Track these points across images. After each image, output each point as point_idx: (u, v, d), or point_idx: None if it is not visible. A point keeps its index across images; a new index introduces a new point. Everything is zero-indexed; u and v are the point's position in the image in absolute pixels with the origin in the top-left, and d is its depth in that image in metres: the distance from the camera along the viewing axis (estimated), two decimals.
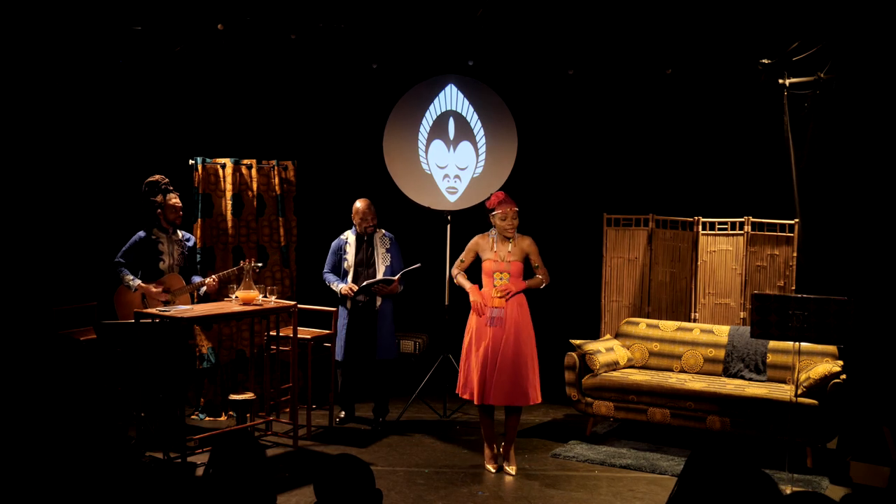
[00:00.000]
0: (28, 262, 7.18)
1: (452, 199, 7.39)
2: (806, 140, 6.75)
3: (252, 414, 6.50)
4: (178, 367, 5.72)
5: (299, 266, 7.50)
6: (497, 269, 5.77)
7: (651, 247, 7.27)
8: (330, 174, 8.22)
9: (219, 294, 6.54)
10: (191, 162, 6.99)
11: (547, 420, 7.08)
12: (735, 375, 6.52)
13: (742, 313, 6.88)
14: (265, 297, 6.18)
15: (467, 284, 5.91)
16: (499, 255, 5.81)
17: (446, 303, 7.23)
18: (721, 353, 6.63)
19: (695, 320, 7.03)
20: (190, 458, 5.71)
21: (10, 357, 6.67)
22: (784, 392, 5.92)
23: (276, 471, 5.69)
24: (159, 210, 6.40)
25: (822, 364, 6.03)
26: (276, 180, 7.25)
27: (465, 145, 7.39)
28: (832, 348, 6.18)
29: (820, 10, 6.43)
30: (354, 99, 8.20)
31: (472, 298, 5.83)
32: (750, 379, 6.43)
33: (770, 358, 6.45)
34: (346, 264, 6.79)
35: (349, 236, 6.84)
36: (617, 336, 7.06)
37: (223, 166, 7.06)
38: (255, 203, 7.18)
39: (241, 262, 6.27)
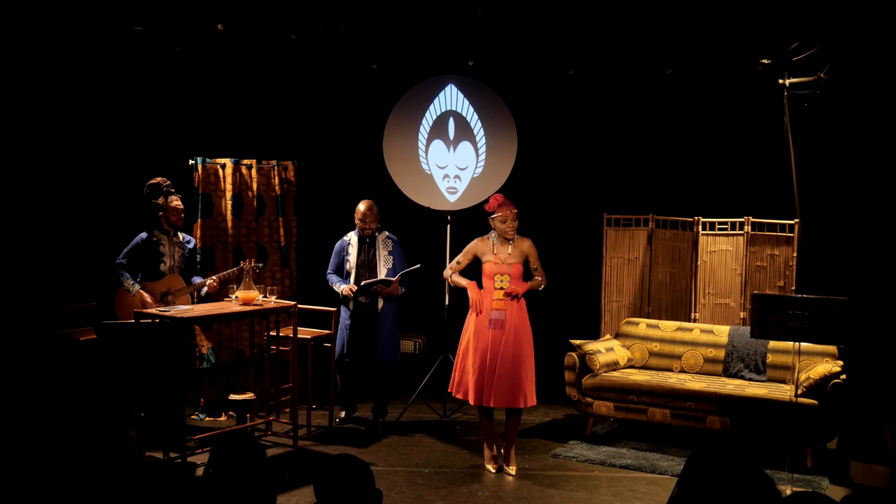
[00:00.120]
0: (28, 262, 7.18)
1: (452, 199, 7.39)
2: (806, 140, 6.75)
3: (252, 414, 6.50)
4: (178, 367, 5.72)
5: (299, 266, 7.50)
6: (498, 271, 5.77)
7: (651, 247, 7.27)
8: (330, 174, 8.22)
9: (219, 294, 6.54)
10: (191, 162, 6.99)
11: (547, 420, 7.08)
12: (735, 375, 6.52)
13: (742, 313, 6.88)
14: (265, 297, 6.18)
15: (464, 281, 5.90)
16: (499, 257, 5.81)
17: (446, 303, 7.23)
18: (721, 353, 6.63)
19: (695, 320, 7.03)
20: (190, 458, 5.71)
21: (10, 357, 6.67)
22: (784, 392, 5.92)
23: (276, 471, 5.69)
24: (161, 212, 6.41)
25: (822, 364, 6.03)
26: (276, 180, 7.25)
27: (465, 145, 7.39)
28: (832, 348, 6.18)
29: (820, 10, 6.43)
30: (354, 99, 8.19)
31: (470, 294, 5.82)
32: (750, 379, 6.43)
33: (770, 358, 6.45)
34: (348, 265, 6.79)
35: (352, 237, 6.84)
36: (617, 336, 7.06)
37: (223, 166, 7.06)
38: (255, 203, 7.18)
39: (242, 263, 6.27)
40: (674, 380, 6.39)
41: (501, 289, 5.74)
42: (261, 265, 6.44)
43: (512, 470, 5.80)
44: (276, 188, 7.25)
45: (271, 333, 6.57)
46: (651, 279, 7.28)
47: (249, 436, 4.86)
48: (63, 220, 7.44)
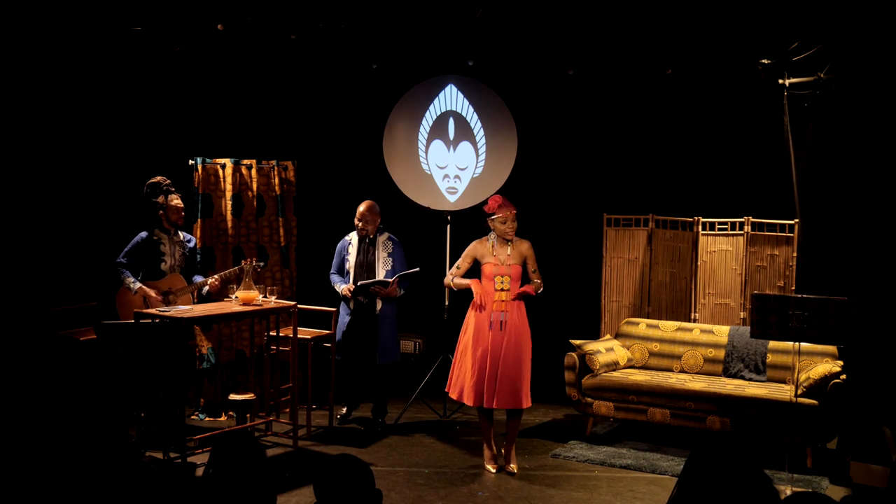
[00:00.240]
0: (28, 262, 7.18)
1: (452, 199, 7.39)
2: (806, 140, 6.75)
3: (252, 414, 6.50)
4: (178, 367, 5.72)
5: (299, 266, 7.50)
6: (498, 272, 5.77)
7: (651, 247, 7.27)
8: (330, 174, 8.22)
9: (219, 294, 6.54)
10: (191, 162, 6.99)
11: (547, 420, 7.08)
12: (735, 375, 6.52)
13: (742, 313, 6.88)
14: (265, 297, 6.18)
15: (466, 281, 5.89)
16: (499, 258, 5.81)
17: (446, 303, 7.23)
18: (721, 354, 6.63)
19: (695, 320, 7.03)
20: (190, 458, 5.71)
21: (11, 357, 6.67)
22: (784, 392, 5.92)
23: (276, 471, 5.69)
24: (161, 211, 6.41)
25: (822, 364, 6.03)
26: (276, 180, 7.25)
27: (465, 145, 7.39)
28: (832, 348, 6.18)
29: (820, 10, 6.44)
30: (354, 99, 8.19)
31: (475, 290, 5.79)
32: (750, 379, 6.43)
33: (770, 358, 6.45)
34: (347, 265, 6.80)
35: (353, 237, 6.84)
36: (617, 336, 7.06)
37: (223, 166, 7.06)
38: (255, 203, 7.18)
39: (243, 262, 6.27)
40: (674, 380, 6.39)
41: (503, 290, 5.73)
42: (262, 264, 6.44)
43: (513, 468, 5.81)
44: (276, 188, 7.25)
45: (271, 333, 6.57)
46: (651, 279, 7.28)
47: (249, 436, 4.87)
48: (63, 220, 7.45)
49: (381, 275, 6.70)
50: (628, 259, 7.36)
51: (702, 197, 7.39)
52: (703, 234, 7.03)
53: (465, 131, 7.38)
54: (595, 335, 7.27)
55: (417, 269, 6.75)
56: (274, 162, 7.27)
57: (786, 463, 5.47)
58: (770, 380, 6.39)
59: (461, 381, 5.81)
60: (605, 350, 6.67)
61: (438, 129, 7.39)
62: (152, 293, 6.23)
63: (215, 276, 6.45)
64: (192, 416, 6.92)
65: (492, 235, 5.87)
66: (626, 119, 7.94)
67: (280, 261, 7.29)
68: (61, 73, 7.33)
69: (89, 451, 3.10)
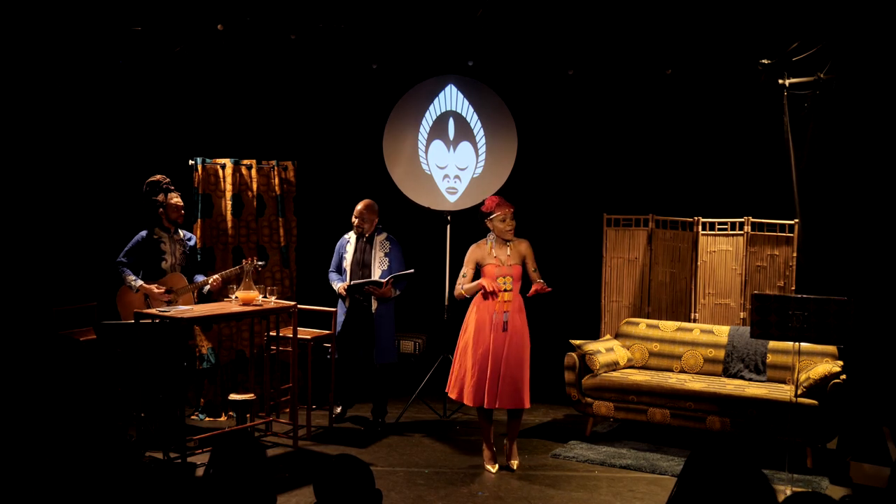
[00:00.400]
0: (28, 262, 7.18)
1: (452, 199, 7.39)
2: (806, 140, 6.75)
3: (252, 414, 6.50)
4: (178, 368, 5.72)
5: (299, 266, 7.50)
6: (500, 273, 5.77)
7: (651, 247, 7.27)
8: (330, 174, 8.22)
9: (219, 294, 6.54)
10: (191, 162, 6.99)
11: (547, 420, 7.08)
12: (735, 376, 6.52)
13: (742, 313, 6.88)
14: (265, 297, 6.18)
15: (474, 283, 5.84)
16: (499, 259, 5.81)
17: (446, 303, 7.23)
18: (721, 354, 6.63)
19: (695, 320, 7.03)
20: (190, 458, 5.71)
21: (11, 357, 6.67)
22: (784, 392, 5.92)
23: (276, 471, 5.69)
24: (161, 209, 6.41)
25: (822, 364, 6.03)
26: (276, 180, 7.25)
27: (465, 145, 7.39)
28: (832, 348, 6.18)
29: (820, 10, 6.44)
30: (354, 99, 8.20)
31: (486, 284, 5.73)
32: (750, 379, 6.43)
33: (770, 358, 6.45)
34: (344, 263, 6.81)
35: (351, 236, 6.85)
36: (617, 336, 7.06)
37: (223, 167, 7.06)
38: (254, 203, 7.18)
39: (243, 261, 6.27)
40: (674, 380, 6.39)
41: (506, 290, 5.73)
42: (262, 263, 6.44)
43: (514, 464, 5.82)
44: (276, 188, 7.25)
45: (271, 333, 6.57)
46: (651, 279, 7.28)
47: (249, 436, 4.87)
48: (63, 220, 7.45)
49: (376, 274, 6.70)
50: (628, 259, 7.37)
51: (702, 197, 7.40)
52: (703, 234, 7.03)
53: (464, 131, 7.38)
54: (595, 335, 7.27)
55: (412, 270, 6.74)
56: (274, 162, 7.27)
57: (786, 463, 5.47)
58: (770, 380, 6.39)
59: (461, 381, 5.81)
60: (605, 350, 6.67)
61: (438, 130, 7.39)
62: (154, 289, 6.23)
63: (216, 276, 6.46)
64: (192, 416, 6.92)
65: (490, 237, 5.86)
66: (626, 119, 7.94)
67: (280, 261, 7.29)
68: (62, 73, 7.34)
69: (89, 451, 3.10)
